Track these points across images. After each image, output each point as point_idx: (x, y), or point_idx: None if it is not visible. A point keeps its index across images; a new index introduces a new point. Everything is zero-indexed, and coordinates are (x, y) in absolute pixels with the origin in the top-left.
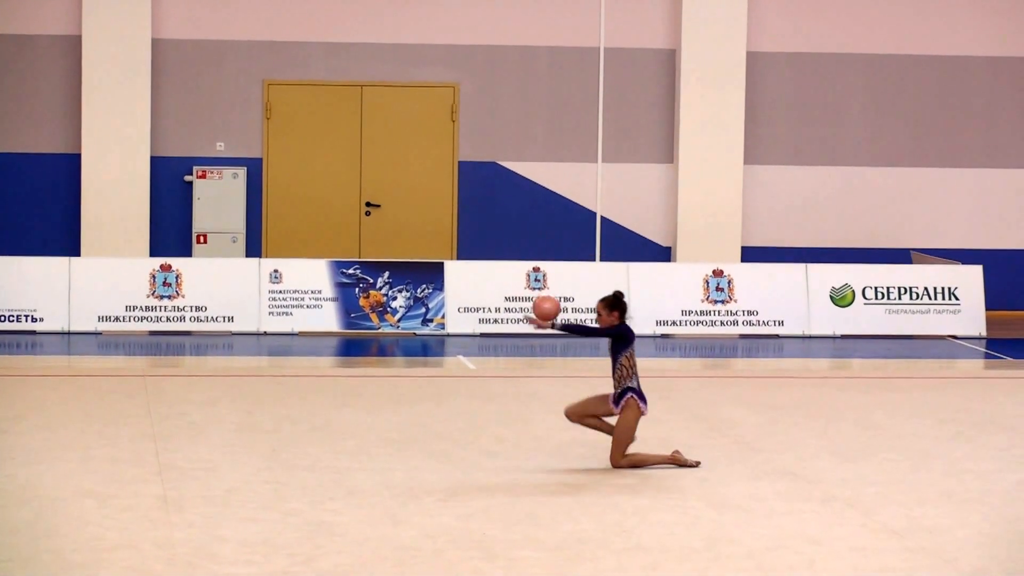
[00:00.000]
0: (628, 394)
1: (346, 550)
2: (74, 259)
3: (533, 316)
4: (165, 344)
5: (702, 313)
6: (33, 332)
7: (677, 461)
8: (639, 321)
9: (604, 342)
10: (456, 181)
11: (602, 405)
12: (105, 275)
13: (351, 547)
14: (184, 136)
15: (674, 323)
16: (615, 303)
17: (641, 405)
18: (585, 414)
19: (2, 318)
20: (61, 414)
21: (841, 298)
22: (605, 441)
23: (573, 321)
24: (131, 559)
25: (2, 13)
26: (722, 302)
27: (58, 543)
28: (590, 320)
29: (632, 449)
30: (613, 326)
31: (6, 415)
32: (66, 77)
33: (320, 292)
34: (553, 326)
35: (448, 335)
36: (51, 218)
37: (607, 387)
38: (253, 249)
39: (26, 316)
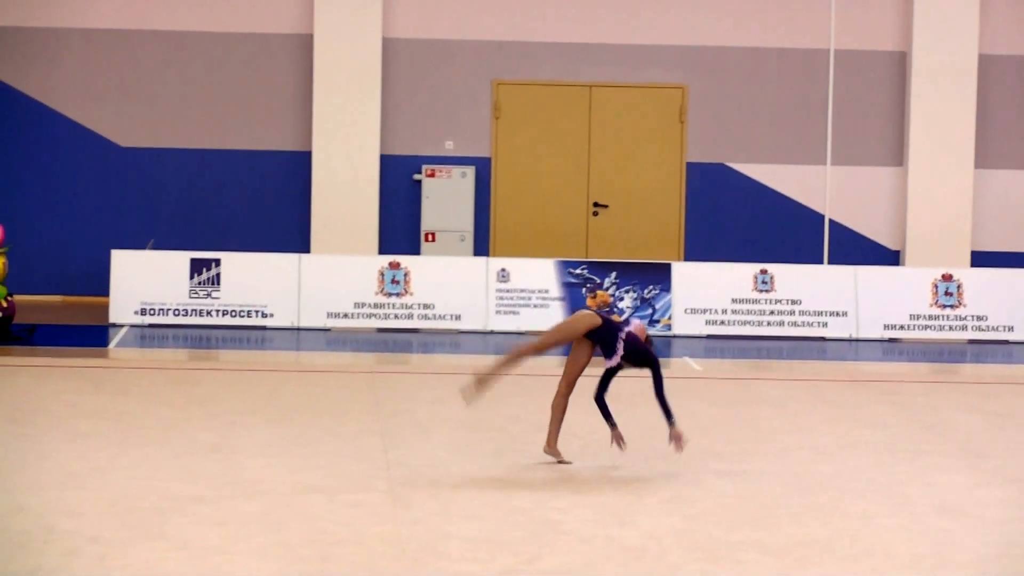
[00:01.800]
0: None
1: (571, 549)
2: (304, 256)
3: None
4: (392, 341)
5: (930, 318)
6: (263, 328)
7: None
8: (867, 324)
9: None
10: (684, 182)
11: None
12: (334, 272)
13: (576, 546)
14: (413, 135)
15: (902, 327)
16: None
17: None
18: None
19: (234, 313)
20: (290, 409)
21: None
22: (837, 447)
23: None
24: (358, 555)
25: (237, 12)
26: (951, 307)
27: (286, 537)
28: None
29: None
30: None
31: (236, 409)
32: (298, 75)
33: (547, 292)
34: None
35: (674, 336)
36: (282, 215)
37: (841, 392)
38: (480, 248)
39: (257, 312)
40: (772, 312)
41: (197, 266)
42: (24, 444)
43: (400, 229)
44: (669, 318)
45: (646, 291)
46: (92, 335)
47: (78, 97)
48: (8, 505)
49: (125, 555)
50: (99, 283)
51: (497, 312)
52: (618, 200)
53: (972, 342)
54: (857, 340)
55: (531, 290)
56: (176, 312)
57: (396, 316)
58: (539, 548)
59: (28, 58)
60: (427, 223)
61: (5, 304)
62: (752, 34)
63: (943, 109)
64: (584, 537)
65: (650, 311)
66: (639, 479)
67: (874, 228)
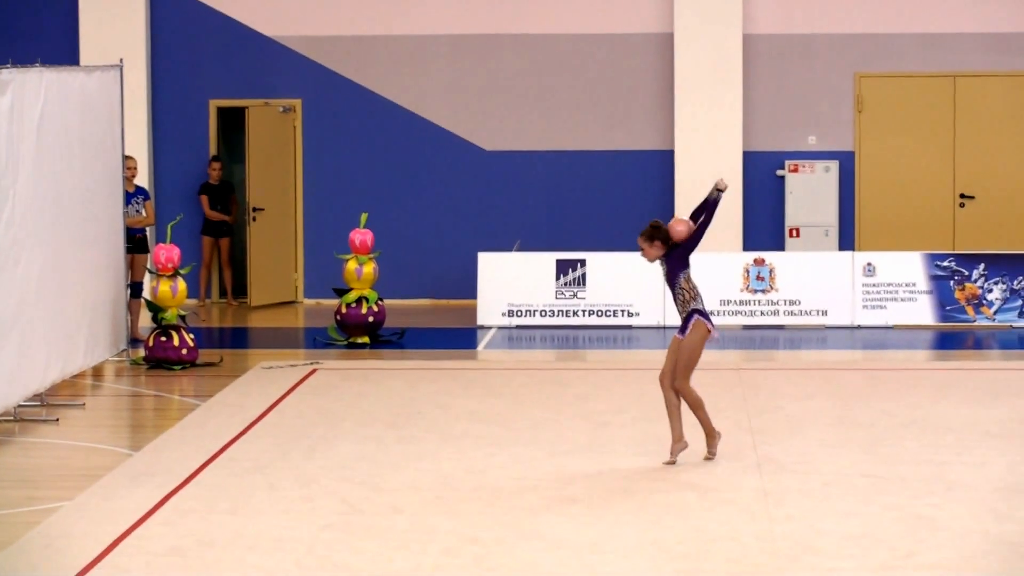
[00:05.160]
0: (694, 316)
1: (948, 545)
2: None
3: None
4: (759, 338)
5: None
6: (629, 327)
7: (711, 440)
8: None
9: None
10: None
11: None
12: (700, 269)
13: (953, 542)
14: (775, 130)
15: None
16: (653, 233)
17: (708, 325)
18: (672, 372)
19: (599, 313)
20: (660, 408)
21: None
22: None
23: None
24: (733, 551)
25: (597, 13)
26: None
27: (661, 534)
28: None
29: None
30: (694, 232)
31: (607, 408)
32: (659, 75)
33: (914, 285)
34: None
35: None
36: (646, 214)
37: None
38: (845, 242)
39: (623, 311)
40: None
41: (563, 267)
42: (400, 446)
43: (764, 225)
44: None
45: (1015, 282)
46: (461, 337)
47: (444, 103)
48: (387, 506)
49: (502, 554)
50: (467, 286)
51: (864, 307)
52: (985, 191)
53: None
54: None
55: (898, 284)
56: (543, 313)
57: (762, 313)
58: (915, 544)
59: (396, 66)
60: (791, 218)
61: (376, 308)
62: None
63: None
64: (960, 532)
65: (1020, 302)
66: (1013, 474)
67: None
